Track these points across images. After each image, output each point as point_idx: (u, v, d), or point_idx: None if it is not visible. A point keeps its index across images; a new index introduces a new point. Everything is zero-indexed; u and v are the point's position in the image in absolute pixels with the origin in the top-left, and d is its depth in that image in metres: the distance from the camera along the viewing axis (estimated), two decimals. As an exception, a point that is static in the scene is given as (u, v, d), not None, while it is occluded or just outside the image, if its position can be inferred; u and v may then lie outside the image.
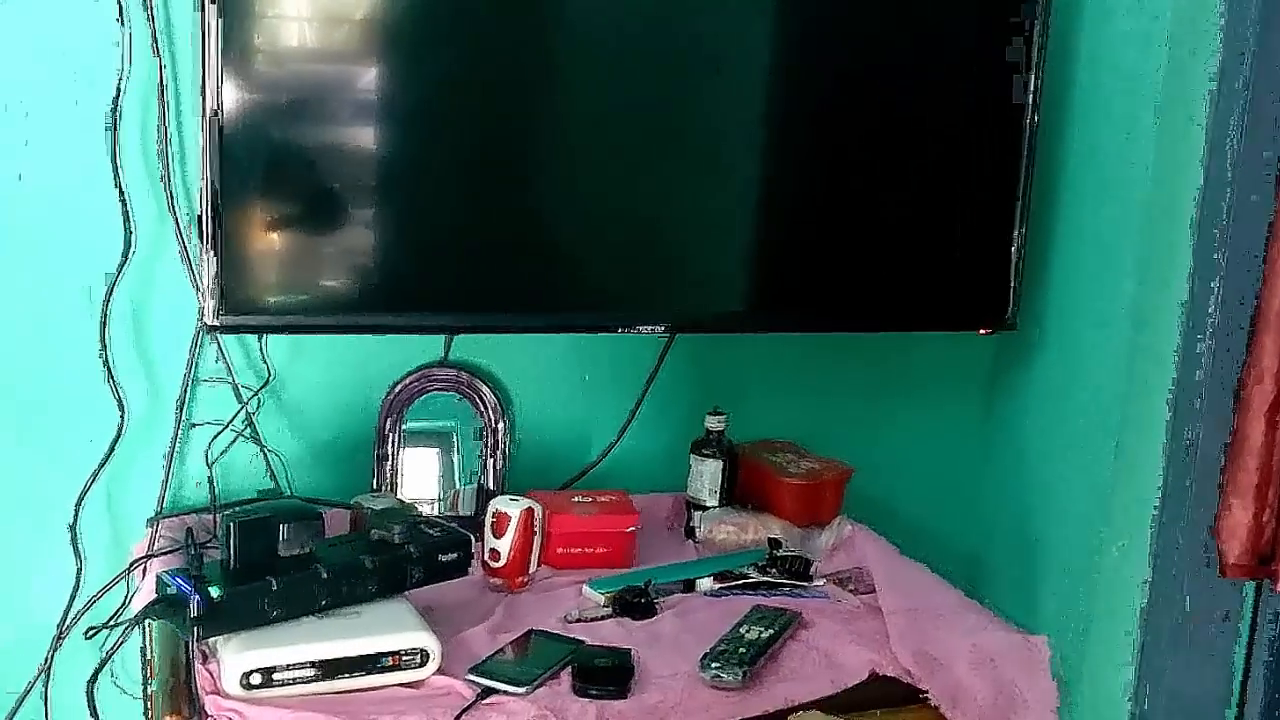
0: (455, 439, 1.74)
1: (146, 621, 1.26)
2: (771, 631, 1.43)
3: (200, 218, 1.43)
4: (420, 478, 1.73)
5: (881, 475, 1.90)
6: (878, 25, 1.70)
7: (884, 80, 1.71)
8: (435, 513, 1.71)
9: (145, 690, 1.55)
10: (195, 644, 1.24)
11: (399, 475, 1.69)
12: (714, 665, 1.34)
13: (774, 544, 1.66)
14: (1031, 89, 1.72)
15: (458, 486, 1.75)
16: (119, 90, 1.51)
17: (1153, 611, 1.74)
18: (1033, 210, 1.77)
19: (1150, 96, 1.68)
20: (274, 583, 1.25)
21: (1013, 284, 1.79)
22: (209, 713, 1.18)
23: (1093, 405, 1.79)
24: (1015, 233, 1.77)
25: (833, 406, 1.94)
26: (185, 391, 1.61)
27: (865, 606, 1.57)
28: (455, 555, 1.41)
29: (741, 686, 1.33)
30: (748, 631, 1.43)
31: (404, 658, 1.27)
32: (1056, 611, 1.83)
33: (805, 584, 1.61)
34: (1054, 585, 1.84)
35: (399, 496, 1.67)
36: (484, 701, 1.26)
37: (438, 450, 1.75)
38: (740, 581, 1.60)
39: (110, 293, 1.55)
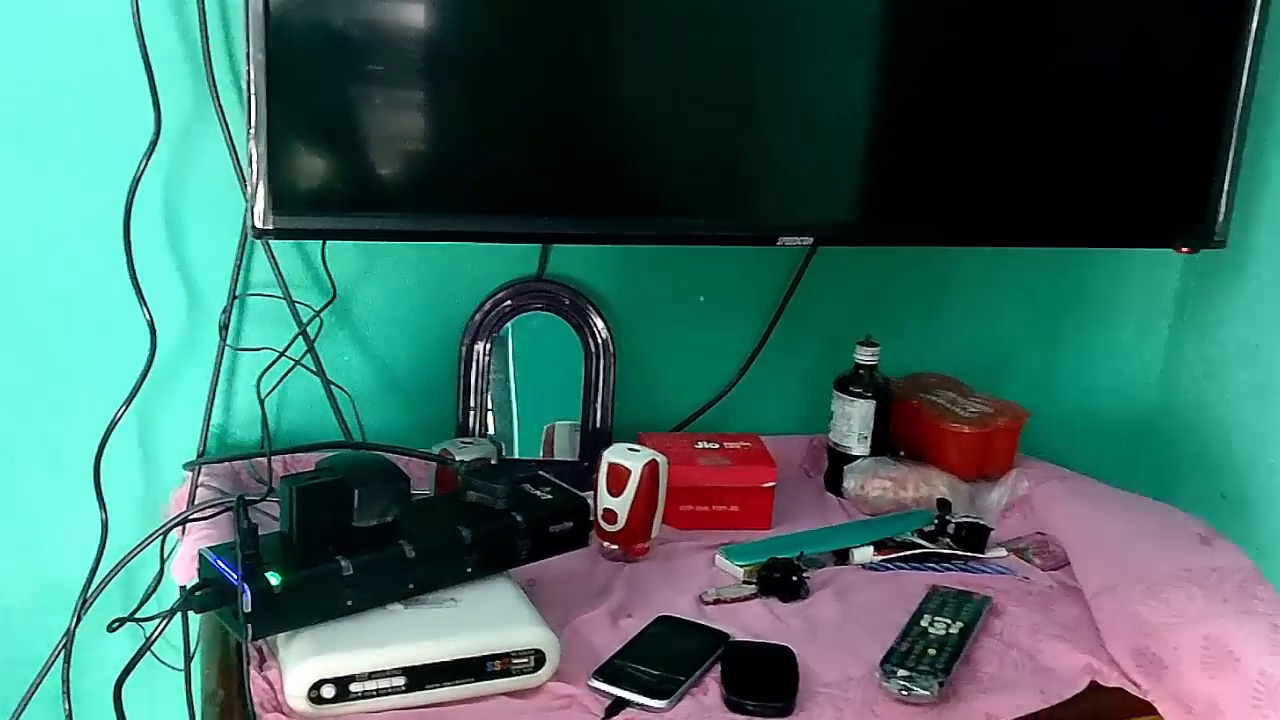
0: (509, 343, 1.45)
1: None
2: (961, 624, 1.15)
3: (247, 98, 1.13)
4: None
5: (1053, 420, 1.59)
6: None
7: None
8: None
9: (186, 662, 1.31)
10: (248, 645, 0.96)
11: (487, 412, 1.40)
12: (900, 674, 1.05)
13: (944, 505, 1.36)
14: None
15: (512, 404, 1.44)
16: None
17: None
18: (1252, 104, 1.43)
19: None
20: (348, 565, 0.97)
21: (1224, 194, 1.46)
22: (269, 736, 0.91)
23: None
24: (1229, 133, 1.43)
25: (995, 338, 1.64)
26: (230, 310, 1.32)
27: (1060, 586, 1.28)
28: (570, 525, 1.12)
29: (936, 701, 1.05)
30: (931, 625, 1.14)
31: (514, 661, 0.99)
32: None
33: (982, 556, 1.32)
34: (1260, 552, 1.54)
35: (491, 437, 1.39)
36: (615, 718, 0.99)
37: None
38: (906, 553, 1.31)
39: (135, 188, 1.25)
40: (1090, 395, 1.68)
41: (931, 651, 1.10)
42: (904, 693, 1.05)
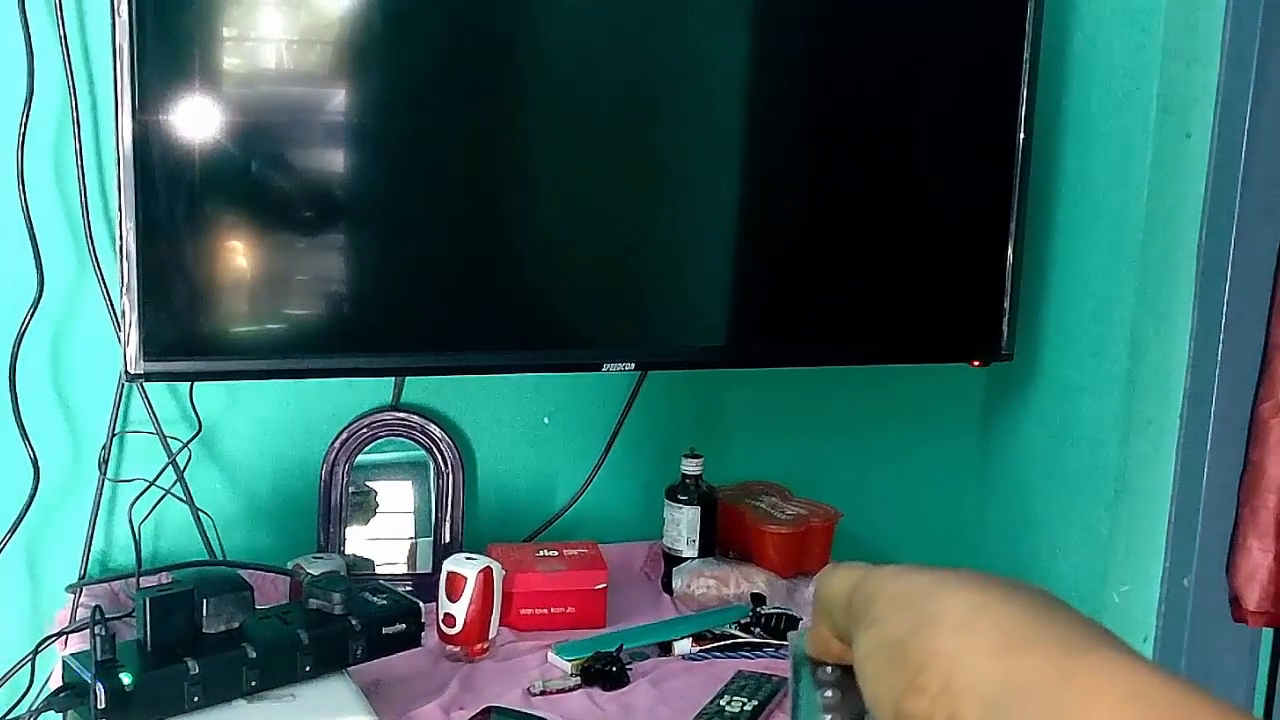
0: (430, 468, 1.60)
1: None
2: (755, 702, 1.30)
3: (120, 262, 1.30)
4: (395, 516, 1.61)
5: (872, 518, 1.77)
6: (860, 52, 1.58)
7: (867, 106, 1.60)
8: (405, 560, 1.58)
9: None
10: (103, 738, 1.09)
11: (344, 530, 1.55)
12: (691, 744, 1.21)
13: (757, 599, 1.52)
14: (1021, 108, 1.60)
15: (421, 533, 1.62)
16: (26, 113, 1.38)
17: (1161, 662, 1.61)
18: (1026, 235, 1.65)
19: (1145, 112, 1.56)
20: (194, 665, 1.11)
21: (1006, 312, 1.67)
22: (118, 819, 1.04)
23: (1091, 438, 1.67)
24: (1008, 259, 1.65)
25: (818, 446, 1.81)
26: (109, 446, 1.47)
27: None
28: (403, 627, 1.27)
29: (720, 767, 1.20)
30: (729, 703, 1.30)
31: (343, 747, 1.13)
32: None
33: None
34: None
35: (351, 553, 1.53)
36: (433, 793, 1.13)
37: (411, 482, 1.62)
38: (721, 643, 1.47)
39: (19, 341, 1.41)
40: (905, 496, 1.86)
41: (723, 726, 1.25)
42: (690, 761, 1.20)
